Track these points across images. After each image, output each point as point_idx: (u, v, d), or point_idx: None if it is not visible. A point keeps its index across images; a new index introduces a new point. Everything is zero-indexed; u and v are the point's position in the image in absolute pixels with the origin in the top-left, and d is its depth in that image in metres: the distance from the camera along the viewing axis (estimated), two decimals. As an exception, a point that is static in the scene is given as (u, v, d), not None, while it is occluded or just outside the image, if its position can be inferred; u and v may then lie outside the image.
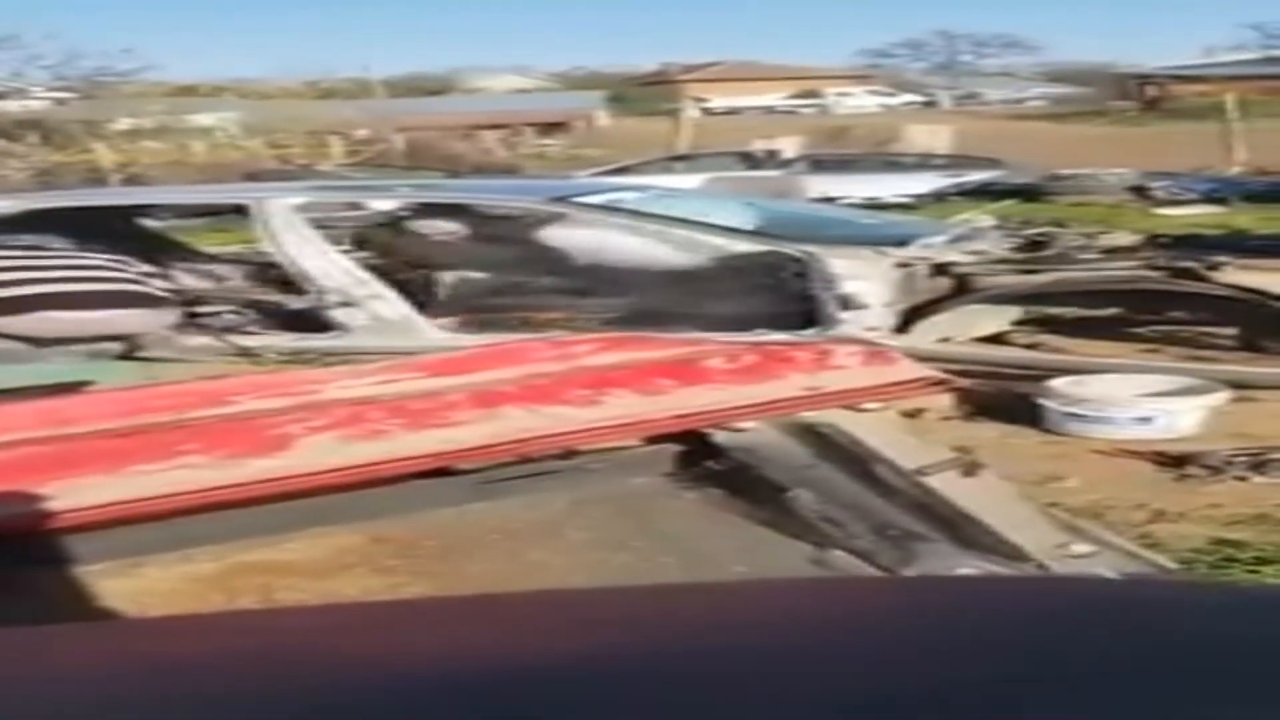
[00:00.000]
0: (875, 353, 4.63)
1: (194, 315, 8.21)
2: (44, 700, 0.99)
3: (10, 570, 3.07)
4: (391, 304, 7.80)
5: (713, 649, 1.04)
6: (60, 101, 51.94)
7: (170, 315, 7.74)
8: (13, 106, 50.34)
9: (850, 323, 6.98)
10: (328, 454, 3.41)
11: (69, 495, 3.10)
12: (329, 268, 7.96)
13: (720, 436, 4.12)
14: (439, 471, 3.68)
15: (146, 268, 7.86)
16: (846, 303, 7.10)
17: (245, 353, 7.52)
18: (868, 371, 4.23)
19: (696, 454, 4.11)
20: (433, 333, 7.54)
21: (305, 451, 3.40)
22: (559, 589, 2.73)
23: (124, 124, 45.65)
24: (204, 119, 46.65)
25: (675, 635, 1.10)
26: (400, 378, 3.97)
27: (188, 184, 21.90)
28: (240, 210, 8.81)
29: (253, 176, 24.08)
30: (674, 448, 4.09)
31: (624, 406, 3.80)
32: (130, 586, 3.14)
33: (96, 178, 29.15)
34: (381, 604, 2.37)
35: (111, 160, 33.46)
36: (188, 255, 9.57)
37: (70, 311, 7.53)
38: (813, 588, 1.72)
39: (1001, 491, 3.93)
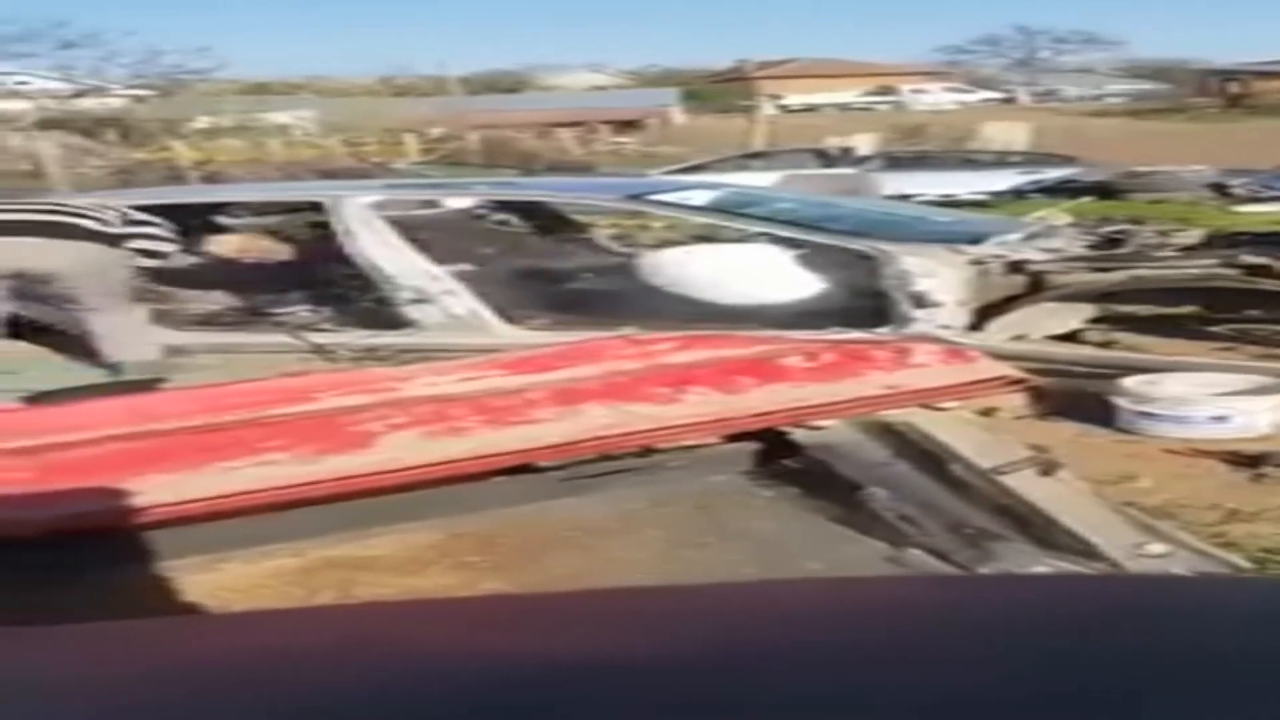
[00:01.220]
0: (954, 351, 4.63)
1: (270, 311, 8.27)
2: (126, 693, 1.02)
3: (96, 565, 3.12)
4: (464, 301, 7.82)
5: (787, 646, 1.06)
6: (138, 99, 52.14)
7: (110, 254, 7.71)
8: (92, 104, 50.64)
9: (923, 321, 6.95)
10: (410, 451, 3.45)
11: (155, 491, 3.15)
12: (403, 265, 7.99)
13: (798, 434, 4.14)
14: (520, 468, 3.72)
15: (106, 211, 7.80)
16: (919, 301, 7.06)
17: (318, 350, 7.55)
18: (947, 370, 4.24)
19: (774, 452, 4.13)
20: (505, 330, 7.55)
21: (387, 448, 3.44)
22: (632, 586, 2.75)
23: (202, 122, 45.90)
24: (281, 117, 46.81)
25: (749, 632, 1.11)
26: (482, 375, 4.01)
27: (264, 182, 21.99)
28: (316, 208, 8.84)
29: (328, 174, 24.17)
30: (752, 446, 4.10)
31: (704, 404, 3.82)
32: (212, 581, 3.19)
33: (175, 176, 29.32)
34: (455, 600, 2.40)
35: (189, 158, 33.65)
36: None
37: None
38: (888, 586, 1.74)
39: (1077, 491, 3.92)
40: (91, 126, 43.80)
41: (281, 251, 9.56)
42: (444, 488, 3.58)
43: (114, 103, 51.88)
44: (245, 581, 3.25)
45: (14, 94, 50.64)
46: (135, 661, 1.12)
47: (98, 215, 7.59)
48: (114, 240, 7.55)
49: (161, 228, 7.87)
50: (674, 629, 1.14)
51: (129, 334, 7.59)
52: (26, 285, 7.60)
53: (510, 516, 3.65)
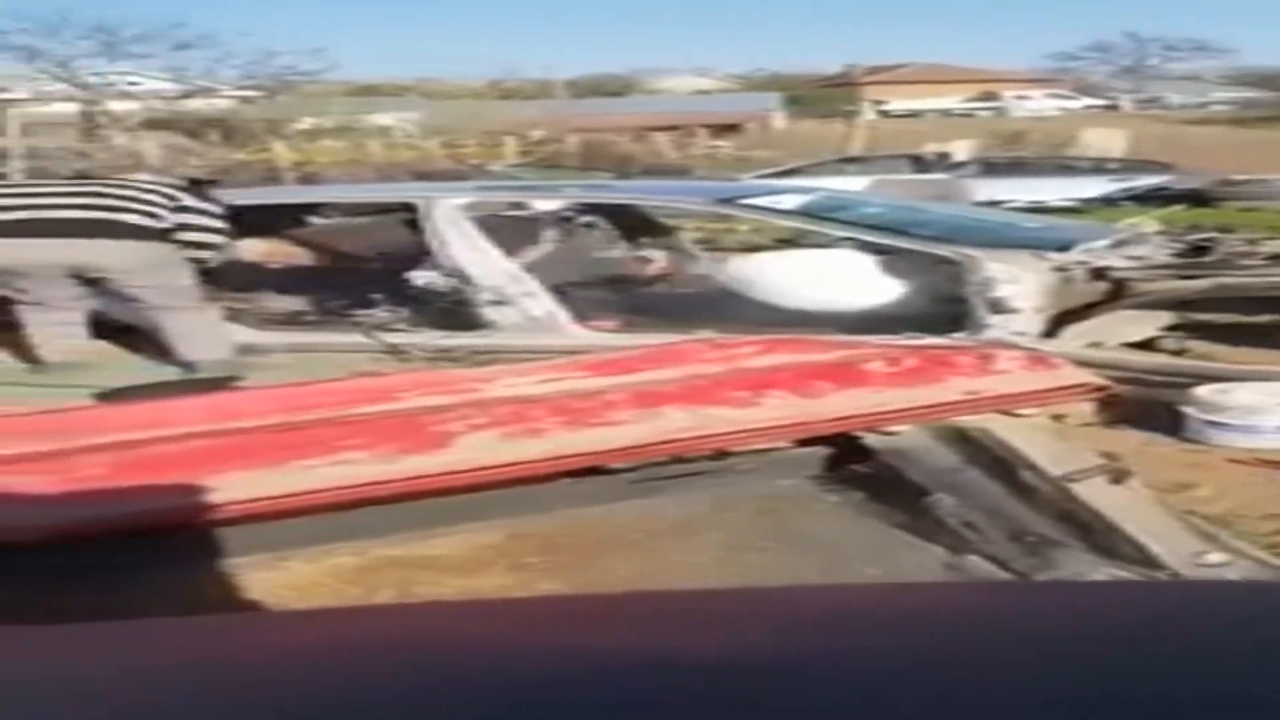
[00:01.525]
0: (1037, 358, 4.60)
1: (344, 310, 8.33)
2: (186, 688, 1.04)
3: (162, 562, 3.16)
4: (543, 303, 7.85)
5: (836, 649, 1.07)
6: (246, 100, 52.65)
7: (155, 249, 7.74)
8: (199, 105, 51.17)
9: (998, 327, 6.92)
10: (486, 451, 3.46)
11: (230, 488, 3.18)
12: (486, 266, 8.03)
13: (871, 439, 4.12)
14: (591, 470, 3.72)
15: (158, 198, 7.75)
16: (997, 306, 7.03)
17: (392, 350, 7.60)
18: (1028, 376, 4.20)
19: (845, 456, 4.11)
20: (582, 333, 7.57)
21: (465, 449, 3.45)
22: (687, 589, 2.76)
23: (305, 123, 46.30)
24: (384, 119, 47.16)
25: (797, 635, 1.12)
26: (563, 376, 4.02)
27: (357, 183, 22.17)
28: (408, 209, 8.90)
29: (424, 176, 24.30)
30: (823, 450, 4.09)
31: (780, 408, 3.81)
32: (274, 579, 3.22)
33: (272, 176, 29.59)
34: (505, 600, 2.42)
35: (288, 159, 33.96)
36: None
37: (31, 239, 7.56)
38: (942, 591, 1.73)
39: (1142, 498, 3.89)
40: (196, 127, 44.29)
41: (303, 256, 9.66)
42: (511, 488, 3.59)
43: (221, 103, 52.38)
44: (305, 579, 3.27)
45: (125, 94, 51.23)
46: (181, 658, 1.14)
47: (145, 207, 7.62)
48: (163, 235, 7.59)
49: (214, 217, 7.88)
50: (727, 631, 1.14)
51: (202, 333, 7.66)
52: (102, 283, 7.68)
53: (573, 518, 3.66)
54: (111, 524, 3.16)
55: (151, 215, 7.49)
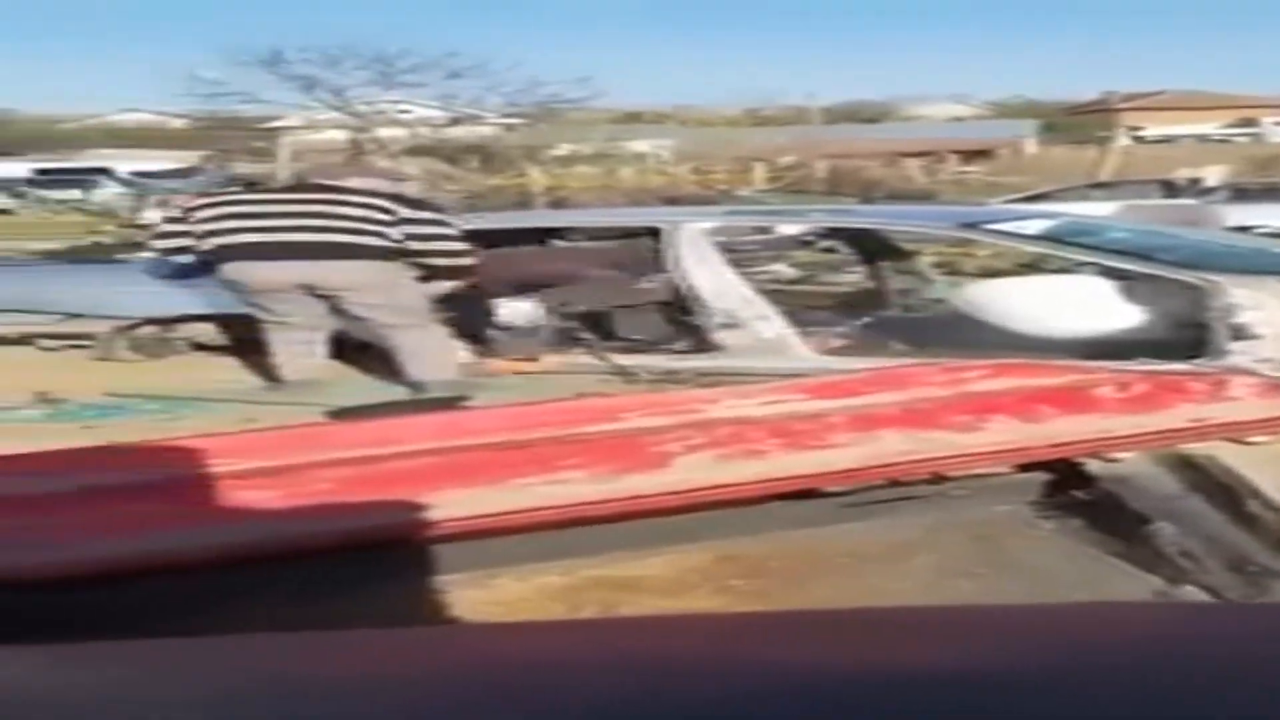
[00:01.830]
0: (1272, 385, 4.43)
1: (579, 333, 8.38)
2: (391, 699, 1.04)
3: (377, 576, 3.19)
4: (774, 325, 7.80)
5: (1041, 667, 1.05)
6: (509, 128, 53.53)
7: (384, 268, 7.77)
8: (463, 132, 52.17)
9: (1241, 353, 6.70)
10: (703, 472, 3.44)
11: (450, 506, 3.19)
12: (723, 289, 8.02)
13: (1093, 465, 4.01)
14: (805, 493, 3.67)
15: (385, 216, 7.77)
16: (1239, 332, 6.81)
17: (620, 371, 7.62)
18: (1261, 404, 4.05)
19: (1065, 483, 4.01)
20: (809, 355, 7.52)
21: (682, 469, 3.43)
22: (894, 606, 2.70)
23: (563, 149, 46.91)
24: (640, 145, 47.58)
25: (1000, 653, 1.10)
26: (784, 398, 3.97)
27: (605, 207, 22.40)
28: (653, 233, 8.93)
29: (671, 201, 24.46)
30: (1043, 476, 3.99)
31: (1001, 433, 3.72)
32: (481, 597, 3.23)
33: (523, 201, 30.06)
34: (699, 616, 2.39)
35: (541, 185, 34.45)
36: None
37: (275, 261, 7.68)
38: (1149, 611, 1.68)
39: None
40: (457, 153, 45.15)
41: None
42: (722, 510, 3.55)
43: (485, 130, 53.31)
44: (513, 597, 3.28)
45: (394, 121, 52.48)
46: (383, 668, 1.15)
47: (373, 225, 7.70)
48: (392, 253, 7.69)
49: (447, 235, 7.94)
50: (929, 648, 1.14)
51: (430, 352, 7.76)
52: (338, 301, 7.81)
53: (783, 541, 3.61)
54: (335, 539, 3.19)
55: (379, 234, 7.60)
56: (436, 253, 7.70)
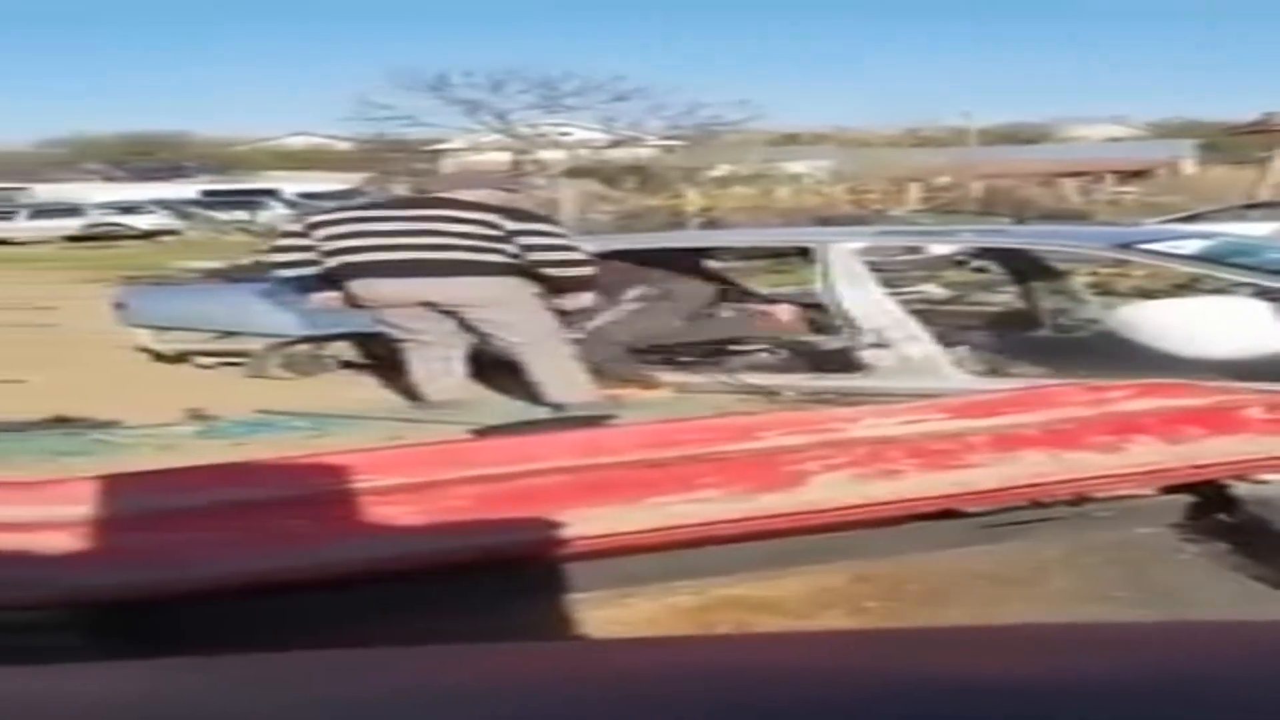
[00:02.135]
0: None
1: (726, 352, 8.35)
2: (520, 711, 1.05)
3: (512, 593, 3.17)
4: (923, 345, 7.71)
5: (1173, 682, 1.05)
6: (668, 150, 53.81)
7: (511, 285, 7.77)
8: (621, 154, 52.51)
9: None
10: (839, 492, 3.38)
11: (584, 524, 3.17)
12: (871, 309, 7.94)
13: (1239, 488, 3.90)
14: (944, 513, 3.60)
15: (499, 230, 7.78)
16: None
17: (763, 391, 7.58)
18: None
19: (1209, 505, 3.89)
20: (957, 375, 7.42)
21: (818, 488, 3.37)
22: (1016, 623, 2.63)
23: (720, 171, 47.02)
24: (797, 166, 47.61)
25: (1132, 669, 1.09)
26: (925, 418, 3.90)
27: (759, 227, 22.41)
28: (804, 253, 8.89)
29: (824, 221, 24.46)
30: (1186, 498, 3.88)
31: (1144, 454, 3.62)
32: (613, 616, 3.18)
33: (678, 221, 30.17)
34: (814, 633, 2.34)
35: (696, 205, 34.54)
36: (737, 294, 9.76)
37: (395, 279, 7.71)
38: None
39: None
40: (615, 174, 45.44)
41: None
42: (858, 530, 3.49)
43: (644, 153, 53.64)
44: (643, 617, 3.23)
45: (555, 144, 52.99)
46: (518, 681, 1.16)
47: (487, 242, 7.70)
48: (511, 269, 7.68)
49: (560, 237, 7.92)
50: (1057, 660, 1.13)
51: (560, 373, 7.74)
52: (465, 318, 7.82)
53: (919, 562, 3.53)
54: (472, 555, 3.17)
55: (492, 249, 7.62)
56: (553, 263, 7.71)
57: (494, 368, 8.09)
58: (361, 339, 8.43)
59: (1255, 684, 1.02)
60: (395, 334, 8.00)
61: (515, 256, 7.65)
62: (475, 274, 7.66)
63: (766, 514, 3.29)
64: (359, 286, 7.88)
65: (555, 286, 7.84)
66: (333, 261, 7.92)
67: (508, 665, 1.25)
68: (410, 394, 8.01)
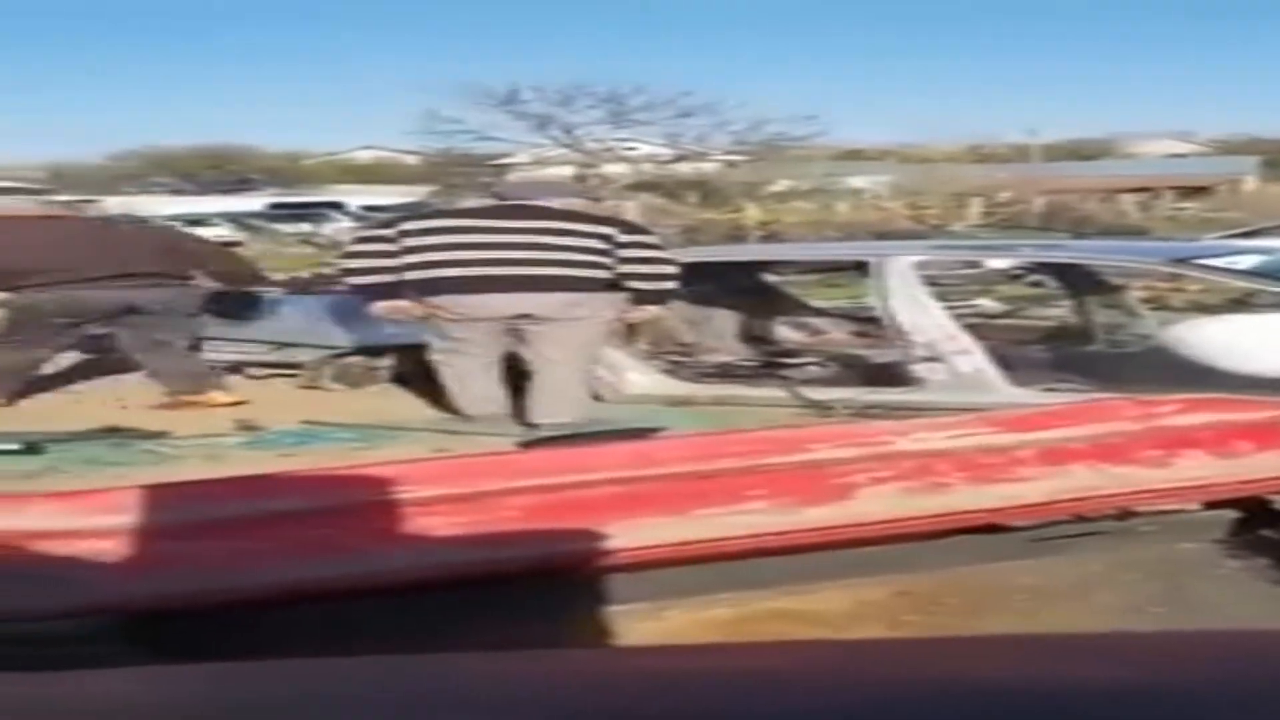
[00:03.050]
0: None
1: (778, 365, 8.31)
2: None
3: (551, 602, 3.15)
4: (975, 360, 7.65)
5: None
6: (731, 164, 53.79)
7: (602, 300, 7.68)
8: (686, 169, 52.54)
9: None
10: (885, 505, 3.35)
11: (629, 535, 3.15)
12: (925, 323, 7.89)
13: (1283, 503, 3.84)
14: (988, 527, 3.57)
15: (585, 245, 7.65)
16: None
17: (815, 405, 7.53)
18: None
19: (1255, 520, 3.84)
20: (1009, 390, 7.35)
21: (864, 501, 3.34)
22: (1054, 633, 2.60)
23: (781, 185, 46.95)
24: (857, 181, 47.50)
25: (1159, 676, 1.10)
26: (973, 431, 3.87)
27: (818, 241, 22.38)
28: (860, 267, 8.86)
29: (883, 235, 24.40)
30: (1233, 514, 3.83)
31: (1191, 469, 3.58)
32: (651, 629, 3.16)
33: (737, 235, 30.16)
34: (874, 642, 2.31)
35: (755, 219, 34.51)
36: (792, 308, 9.73)
37: (477, 295, 7.57)
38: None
39: None
40: (677, 188, 45.44)
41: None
42: (902, 544, 3.45)
43: (708, 167, 53.65)
44: (681, 629, 3.21)
45: (620, 158, 53.11)
46: (557, 687, 1.16)
47: (591, 256, 7.61)
48: (611, 284, 7.60)
49: (659, 250, 7.84)
50: (1097, 667, 1.14)
51: (570, 392, 7.66)
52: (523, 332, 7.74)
53: (960, 576, 3.49)
54: (516, 565, 3.16)
55: (600, 265, 7.53)
56: (646, 276, 7.62)
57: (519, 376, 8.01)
58: (410, 350, 8.36)
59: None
60: (441, 344, 7.87)
61: (610, 269, 7.55)
62: (577, 289, 7.51)
63: (812, 527, 3.26)
64: (448, 299, 7.68)
65: (637, 299, 7.75)
66: (417, 272, 7.72)
67: (537, 671, 1.25)
68: (453, 404, 7.93)
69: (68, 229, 9.13)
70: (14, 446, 7.28)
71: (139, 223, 9.90)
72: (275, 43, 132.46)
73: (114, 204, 56.45)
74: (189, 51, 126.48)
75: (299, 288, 15.18)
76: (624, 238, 7.61)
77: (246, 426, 7.87)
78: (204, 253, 9.56)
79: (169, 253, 8.98)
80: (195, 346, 9.01)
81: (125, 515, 2.84)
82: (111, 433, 7.67)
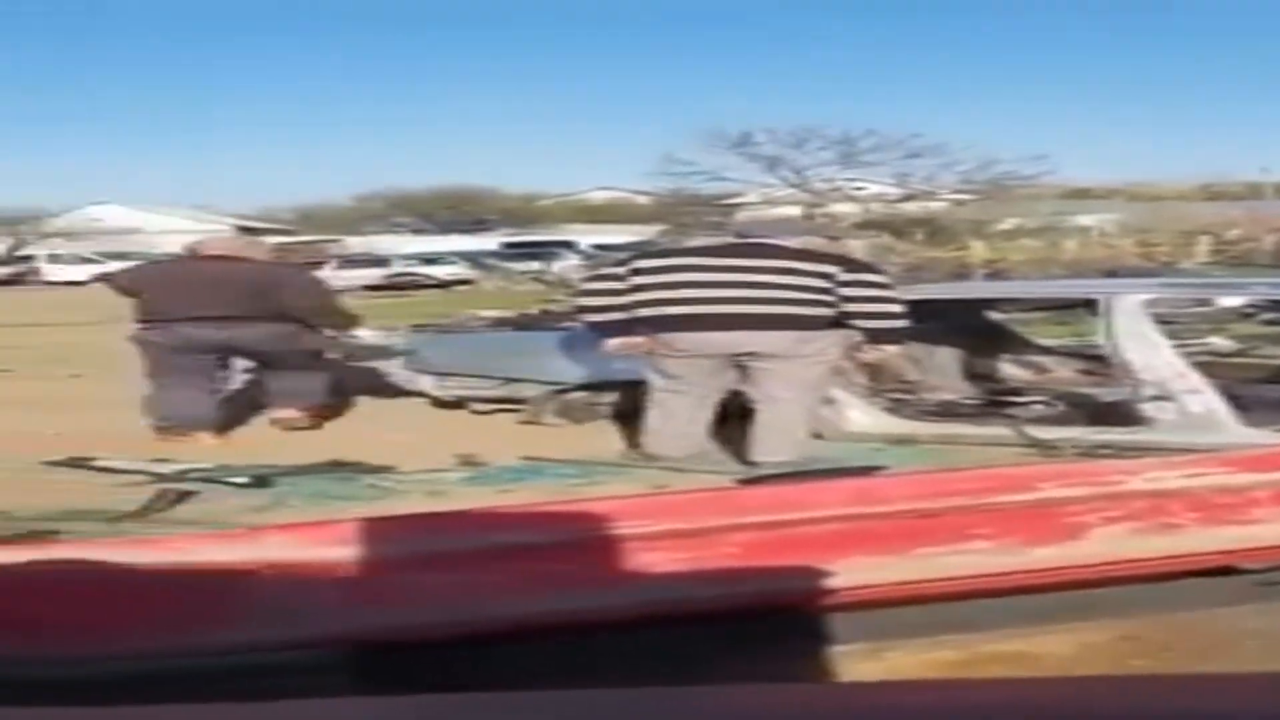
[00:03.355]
0: None
1: (1003, 404, 8.15)
2: None
3: (775, 641, 3.11)
4: (1206, 399, 7.42)
5: None
6: (958, 203, 53.54)
7: (831, 338, 7.56)
8: (913, 208, 52.37)
9: None
10: (1115, 546, 3.25)
11: (849, 574, 3.10)
12: (1154, 361, 7.68)
13: None
14: (1220, 570, 3.44)
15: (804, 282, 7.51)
16: None
17: (1041, 444, 7.36)
18: None
19: None
20: (1241, 430, 7.10)
21: (1093, 542, 3.25)
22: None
23: (1008, 223, 46.49)
24: (1085, 220, 46.83)
25: None
26: (1206, 471, 3.74)
27: (1045, 279, 22.05)
28: (1089, 304, 8.68)
29: (1110, 273, 23.97)
30: None
31: None
32: (872, 669, 3.09)
33: (962, 273, 29.86)
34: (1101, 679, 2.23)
35: (981, 257, 34.15)
36: (1018, 345, 9.56)
37: (705, 332, 7.49)
38: None
39: None
40: (904, 227, 45.26)
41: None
42: (1130, 586, 3.34)
43: (935, 206, 53.46)
44: (903, 670, 3.13)
45: (848, 198, 53.20)
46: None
47: (817, 295, 7.51)
48: (837, 322, 7.51)
49: (888, 289, 7.72)
50: None
51: (791, 432, 7.57)
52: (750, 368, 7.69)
53: (1190, 621, 3.35)
54: (735, 603, 3.12)
55: (827, 303, 7.44)
56: (872, 315, 7.51)
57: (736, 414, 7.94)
58: (631, 386, 8.33)
59: None
60: (658, 381, 7.85)
61: (836, 307, 7.47)
62: (804, 327, 7.44)
63: (1038, 567, 3.17)
64: (676, 335, 7.64)
65: (871, 339, 7.65)
66: (648, 309, 7.70)
67: (769, 703, 1.25)
68: (666, 442, 7.82)
69: (225, 269, 9.44)
70: (243, 480, 7.45)
71: (292, 268, 10.18)
72: (519, 88, 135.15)
73: (356, 243, 58.08)
74: (432, 95, 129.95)
75: (525, 324, 15.36)
76: (846, 275, 7.49)
77: (468, 462, 7.94)
78: (312, 295, 9.82)
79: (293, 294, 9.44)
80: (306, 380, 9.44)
81: (352, 548, 2.87)
82: (336, 467, 7.80)
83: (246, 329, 9.13)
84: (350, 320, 10.08)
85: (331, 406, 9.69)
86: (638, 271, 7.82)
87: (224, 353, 9.43)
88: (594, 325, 8.05)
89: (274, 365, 9.41)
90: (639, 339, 7.76)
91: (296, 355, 9.32)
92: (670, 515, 3.41)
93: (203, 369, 9.25)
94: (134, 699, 1.80)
